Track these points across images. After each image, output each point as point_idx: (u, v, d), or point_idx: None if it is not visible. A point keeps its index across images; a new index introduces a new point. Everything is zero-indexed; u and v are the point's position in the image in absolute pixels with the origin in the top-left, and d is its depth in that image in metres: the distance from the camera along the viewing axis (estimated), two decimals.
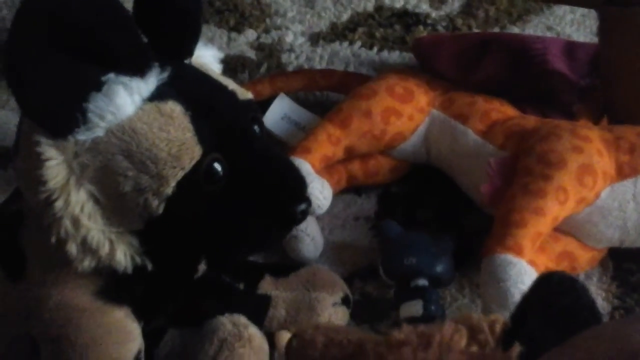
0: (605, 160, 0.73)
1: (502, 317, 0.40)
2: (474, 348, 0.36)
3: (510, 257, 0.68)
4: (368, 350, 0.40)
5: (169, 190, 0.54)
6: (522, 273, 0.67)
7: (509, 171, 0.75)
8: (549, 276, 0.38)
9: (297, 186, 0.57)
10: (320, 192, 0.78)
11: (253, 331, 0.66)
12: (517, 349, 0.35)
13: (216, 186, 0.55)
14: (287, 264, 0.75)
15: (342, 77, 0.93)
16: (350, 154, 0.83)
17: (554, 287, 0.37)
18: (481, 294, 0.70)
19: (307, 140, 0.82)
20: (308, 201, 0.57)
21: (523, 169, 0.74)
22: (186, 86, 0.57)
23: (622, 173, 0.73)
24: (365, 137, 0.82)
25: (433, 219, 0.84)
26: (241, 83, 0.92)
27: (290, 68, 1.00)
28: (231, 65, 1.00)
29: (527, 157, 0.75)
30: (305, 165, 0.78)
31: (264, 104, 0.90)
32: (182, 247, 0.58)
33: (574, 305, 0.36)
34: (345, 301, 0.72)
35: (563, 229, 0.75)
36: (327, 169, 0.83)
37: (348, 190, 0.86)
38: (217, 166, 0.55)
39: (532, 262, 0.70)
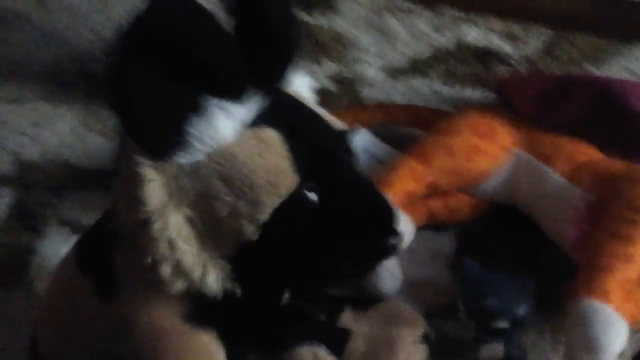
0: None
1: None
2: None
3: (598, 303, 0.67)
4: None
5: (265, 217, 0.54)
6: (609, 319, 0.66)
7: (596, 215, 0.74)
8: None
9: (390, 219, 0.57)
10: (402, 228, 0.77)
11: None
12: None
13: (310, 215, 0.55)
14: (367, 298, 0.74)
15: (423, 112, 0.93)
16: (431, 191, 0.83)
17: None
18: (566, 339, 0.69)
19: (389, 175, 0.82)
20: (399, 235, 0.57)
21: (611, 213, 0.73)
22: (284, 113, 0.57)
23: None
24: (448, 174, 0.82)
25: (512, 259, 0.82)
26: None
27: (369, 102, 1.01)
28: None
29: (615, 202, 0.73)
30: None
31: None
32: (272, 274, 0.58)
33: None
34: (424, 339, 0.71)
35: None
36: (407, 204, 0.83)
37: (427, 226, 0.85)
38: (312, 195, 0.55)
39: (618, 310, 0.68)
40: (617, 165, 0.79)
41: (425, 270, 0.82)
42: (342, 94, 1.03)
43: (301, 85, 0.63)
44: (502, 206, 0.85)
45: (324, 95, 1.01)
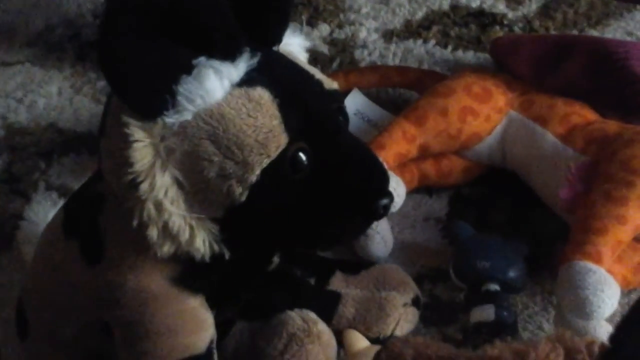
0: None
1: (599, 340, 0.38)
2: None
3: (590, 264, 0.66)
4: None
5: (254, 177, 0.53)
6: (601, 281, 0.65)
7: (590, 177, 0.73)
8: None
9: (381, 180, 0.56)
10: (394, 190, 0.76)
11: (322, 327, 0.65)
12: None
13: (300, 176, 0.54)
14: (358, 262, 0.74)
15: (417, 75, 0.92)
16: (424, 153, 0.82)
17: None
18: (558, 302, 0.68)
19: (382, 137, 0.81)
20: (391, 196, 0.56)
21: (605, 175, 0.72)
22: (275, 73, 0.56)
23: None
24: (441, 136, 0.81)
25: (505, 222, 0.82)
26: None
27: (362, 64, 1.00)
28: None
29: (609, 163, 0.72)
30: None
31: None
32: (260, 237, 0.57)
33: None
34: (415, 302, 0.71)
35: None
36: (399, 167, 0.82)
37: (419, 190, 0.85)
38: (302, 155, 0.54)
39: (609, 272, 0.67)
40: (612, 126, 0.78)
41: (417, 234, 0.81)
42: (336, 55, 1.01)
43: (294, 45, 0.62)
44: (495, 168, 0.84)
45: (317, 57, 1.01)
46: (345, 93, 0.91)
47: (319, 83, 0.58)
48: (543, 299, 0.75)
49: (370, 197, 0.55)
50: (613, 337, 0.37)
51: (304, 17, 1.07)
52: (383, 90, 0.95)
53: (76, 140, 0.94)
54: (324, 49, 1.03)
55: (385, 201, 0.55)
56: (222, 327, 0.65)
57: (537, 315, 0.73)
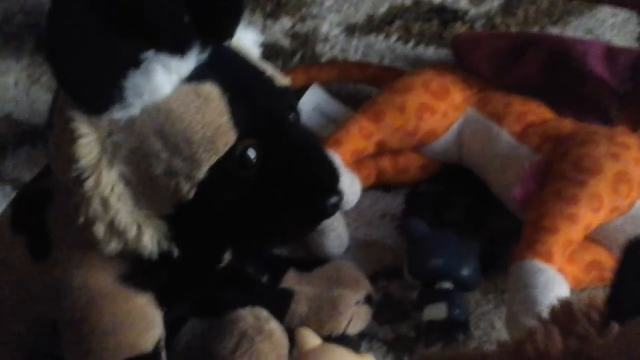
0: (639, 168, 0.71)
1: (599, 299, 0.37)
2: (573, 341, 0.33)
3: (540, 263, 0.67)
4: None
5: (201, 174, 0.53)
6: (551, 280, 0.66)
7: (543, 175, 0.74)
8: (637, 241, 0.36)
9: (331, 178, 0.56)
10: (349, 187, 0.76)
11: (274, 326, 0.65)
12: (615, 329, 0.32)
13: (248, 173, 0.54)
14: (312, 259, 0.74)
15: (377, 71, 0.92)
16: (381, 149, 0.82)
17: None
18: (507, 300, 0.69)
19: (339, 133, 0.81)
20: (340, 194, 0.56)
21: (557, 173, 0.72)
22: (224, 68, 0.55)
23: None
24: (398, 132, 0.81)
25: (461, 220, 0.82)
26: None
27: (324, 59, 0.99)
28: (265, 52, 0.98)
29: (562, 162, 0.73)
30: (335, 158, 0.77)
31: (296, 94, 0.89)
32: (209, 234, 0.57)
33: None
34: (368, 300, 0.71)
35: (593, 237, 0.73)
36: (356, 163, 0.82)
37: (376, 186, 0.85)
38: (251, 152, 0.54)
39: (560, 271, 0.68)
40: (567, 125, 0.78)
41: (373, 231, 0.81)
42: (297, 49, 1.01)
43: (247, 40, 0.61)
44: (453, 165, 0.84)
45: (278, 51, 1.00)
46: (305, 88, 0.90)
47: (270, 79, 0.57)
48: (496, 297, 0.75)
49: (319, 196, 0.55)
50: (610, 296, 0.36)
51: (265, 10, 1.06)
52: (344, 86, 0.94)
53: (31, 132, 0.93)
54: (285, 42, 1.02)
55: (334, 200, 0.55)
56: (172, 325, 0.65)
57: (490, 314, 0.74)
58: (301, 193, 0.55)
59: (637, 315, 0.32)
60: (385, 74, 0.90)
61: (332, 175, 0.56)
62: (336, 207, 0.56)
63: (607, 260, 0.73)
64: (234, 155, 0.53)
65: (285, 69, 0.94)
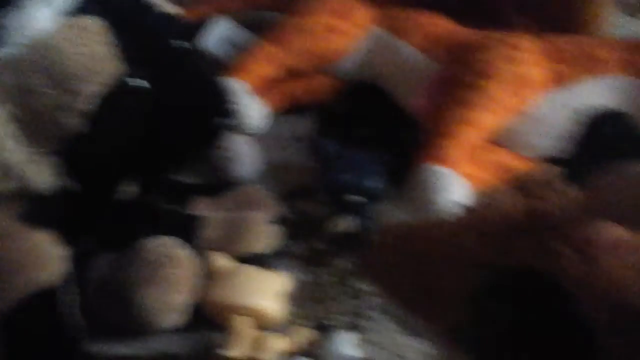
0: (539, 69, 0.73)
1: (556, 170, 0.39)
2: (535, 202, 0.35)
3: (439, 167, 0.68)
4: (434, 240, 0.39)
5: (86, 106, 0.53)
6: (449, 182, 0.67)
7: (444, 84, 0.75)
8: (603, 116, 0.37)
9: (219, 101, 0.57)
10: (255, 111, 0.77)
11: (184, 252, 0.66)
12: (575, 191, 0.34)
13: (137, 102, 0.55)
14: (220, 185, 0.75)
15: None
16: (289, 73, 0.83)
17: (607, 125, 0.36)
18: (407, 202, 0.70)
19: (245, 60, 0.81)
20: (231, 115, 0.56)
21: (455, 80, 0.74)
22: (108, 1, 0.55)
23: (554, 82, 0.73)
24: (304, 55, 0.81)
25: (372, 136, 0.83)
26: (181, 5, 0.92)
27: None
28: None
29: (460, 69, 0.74)
30: (239, 85, 0.77)
31: (203, 26, 0.89)
32: (106, 166, 0.57)
33: (625, 141, 0.36)
34: (278, 219, 0.72)
35: (496, 139, 0.75)
36: (267, 88, 0.82)
37: (289, 110, 0.85)
38: (138, 81, 0.54)
39: (464, 174, 0.70)
40: (467, 34, 0.79)
41: (285, 153, 0.82)
42: None
43: None
44: (362, 84, 0.85)
45: None
46: (212, 21, 0.90)
47: (155, 8, 0.57)
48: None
49: (210, 117, 0.55)
50: (569, 159, 0.37)
51: None
52: (250, 14, 0.94)
53: None
54: None
55: (225, 121, 0.56)
56: (83, 259, 0.66)
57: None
58: (191, 116, 0.56)
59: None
60: None
61: (221, 98, 0.57)
62: (228, 127, 0.57)
63: (512, 162, 0.75)
64: (121, 86, 0.53)
65: (192, 2, 0.94)
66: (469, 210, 0.39)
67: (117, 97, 0.54)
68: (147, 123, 0.55)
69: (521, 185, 0.37)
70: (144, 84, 0.55)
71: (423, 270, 0.38)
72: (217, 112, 0.56)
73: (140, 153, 0.57)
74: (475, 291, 0.32)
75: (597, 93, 0.71)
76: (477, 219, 0.35)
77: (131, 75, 0.54)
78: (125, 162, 0.58)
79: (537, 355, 0.28)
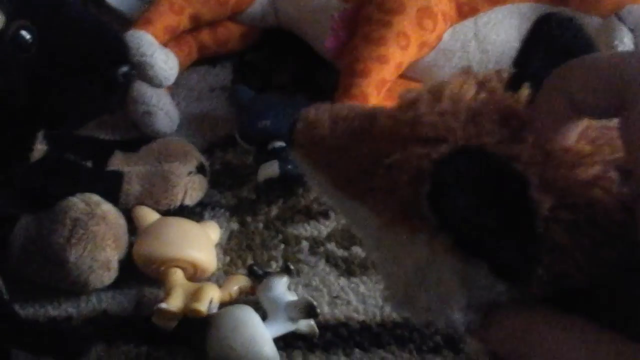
0: (445, 1, 0.74)
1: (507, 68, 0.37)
2: (483, 95, 0.34)
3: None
4: (379, 116, 0.37)
5: None
6: None
7: (352, 23, 0.75)
8: (548, 17, 0.37)
9: (117, 49, 0.55)
10: (165, 63, 0.76)
11: (106, 207, 0.65)
12: (525, 90, 0.33)
13: (26, 55, 0.53)
14: (137, 139, 0.74)
15: None
16: (197, 23, 0.82)
17: (553, 26, 0.36)
18: None
19: (149, 12, 0.79)
20: (130, 64, 0.55)
21: (364, 18, 0.74)
22: None
23: (462, 13, 0.74)
24: (209, 2, 0.80)
25: (289, 82, 0.83)
26: None
27: None
28: None
29: (367, 7, 0.75)
30: (147, 37, 0.76)
31: None
32: (4, 125, 0.56)
33: (574, 42, 0.35)
34: (200, 169, 0.72)
35: (411, 75, 0.76)
36: (175, 40, 0.81)
37: (203, 62, 0.85)
38: (25, 33, 0.52)
39: None
40: None
41: (204, 105, 0.82)
42: None
43: None
44: (277, 31, 0.85)
45: None
46: None
47: None
48: None
49: (106, 66, 0.54)
50: (517, 60, 0.36)
51: None
52: None
53: None
54: None
55: (124, 69, 0.54)
56: (6, 223, 0.64)
57: None
58: (87, 67, 0.54)
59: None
60: None
61: (118, 46, 0.55)
62: (127, 76, 0.55)
63: None
64: (5, 39, 0.51)
65: None
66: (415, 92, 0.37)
67: (1, 50, 0.51)
68: (40, 75, 0.53)
69: (473, 76, 0.37)
70: (30, 35, 0.52)
71: (365, 148, 0.37)
72: (116, 60, 0.55)
73: (36, 107, 0.55)
74: (433, 166, 0.31)
75: (500, 21, 0.73)
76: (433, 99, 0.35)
77: (15, 27, 0.52)
78: (23, 117, 0.55)
79: (494, 234, 0.29)
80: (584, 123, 0.31)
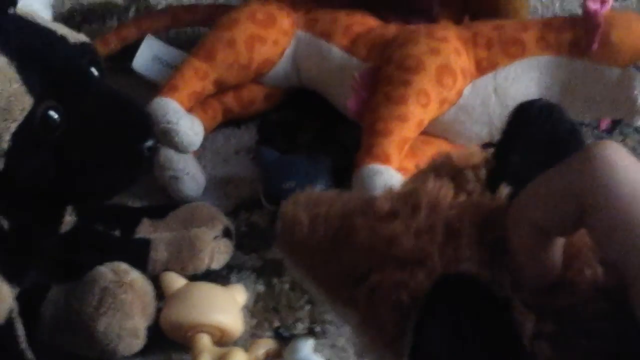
0: (464, 58, 0.74)
1: (483, 154, 0.37)
2: (462, 196, 0.34)
3: (377, 166, 0.69)
4: (357, 226, 0.36)
5: (4, 144, 0.53)
6: (389, 180, 0.69)
7: (373, 82, 0.76)
8: (527, 105, 0.35)
9: (142, 124, 0.57)
10: (190, 129, 0.77)
11: (135, 276, 0.66)
12: (505, 189, 0.33)
13: (55, 134, 0.54)
14: (164, 206, 0.75)
15: (207, 10, 0.91)
16: (221, 87, 0.83)
17: (533, 116, 0.35)
18: None
19: (174, 78, 0.81)
20: (154, 138, 0.57)
21: (384, 77, 0.75)
22: (10, 36, 0.55)
23: (481, 69, 0.75)
24: (233, 67, 0.82)
25: (313, 141, 0.84)
26: (110, 30, 0.91)
27: (158, 8, 0.98)
28: (98, 12, 0.97)
29: (387, 66, 0.75)
30: (172, 104, 0.77)
31: (133, 48, 0.89)
32: (34, 201, 0.57)
33: (556, 132, 0.34)
34: (226, 233, 0.72)
35: (433, 132, 0.76)
36: (200, 105, 0.83)
37: (227, 124, 0.86)
38: (53, 113, 0.54)
39: (403, 169, 0.71)
40: (391, 30, 0.80)
41: (230, 167, 0.83)
42: (130, 4, 0.99)
43: (34, 4, 0.61)
44: (301, 91, 0.86)
45: (111, 9, 0.99)
46: (140, 41, 0.90)
47: (62, 38, 0.57)
48: None
49: (131, 142, 0.55)
50: (497, 154, 0.36)
51: None
52: (181, 32, 0.94)
53: None
54: None
55: (148, 143, 0.56)
56: (37, 294, 0.65)
57: None
58: (113, 143, 0.56)
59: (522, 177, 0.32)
60: (215, 12, 0.90)
61: (142, 120, 0.57)
62: (152, 150, 0.57)
63: (450, 150, 0.76)
64: (34, 120, 0.53)
65: (118, 25, 0.94)
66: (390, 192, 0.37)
67: (28, 131, 0.53)
68: (67, 154, 0.55)
69: (449, 175, 0.36)
70: (57, 115, 0.54)
71: (345, 257, 0.36)
72: (142, 135, 0.56)
73: (65, 184, 0.56)
74: (416, 301, 0.31)
75: (519, 75, 0.74)
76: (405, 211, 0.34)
77: (41, 108, 0.54)
78: (52, 194, 0.57)
79: None
80: (561, 240, 0.31)
